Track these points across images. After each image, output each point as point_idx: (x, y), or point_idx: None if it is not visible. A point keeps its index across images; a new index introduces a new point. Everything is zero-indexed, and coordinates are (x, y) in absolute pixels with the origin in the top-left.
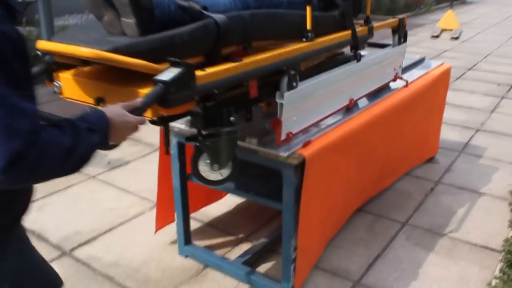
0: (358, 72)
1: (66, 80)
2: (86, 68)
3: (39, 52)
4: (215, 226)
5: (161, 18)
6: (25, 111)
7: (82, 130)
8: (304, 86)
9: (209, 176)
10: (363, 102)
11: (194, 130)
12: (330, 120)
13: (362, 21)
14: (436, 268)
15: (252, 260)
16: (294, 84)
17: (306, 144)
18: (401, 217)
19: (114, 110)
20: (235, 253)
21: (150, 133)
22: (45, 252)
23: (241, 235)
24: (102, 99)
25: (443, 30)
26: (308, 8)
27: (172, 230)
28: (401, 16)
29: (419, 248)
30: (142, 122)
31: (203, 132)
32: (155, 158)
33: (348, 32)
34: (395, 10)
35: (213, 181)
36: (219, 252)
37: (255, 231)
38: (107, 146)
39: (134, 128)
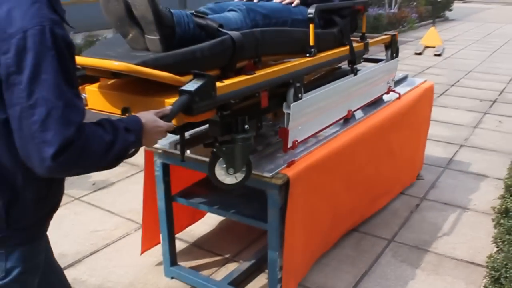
0: (355, 85)
1: (91, 93)
2: (110, 81)
3: None
4: (201, 247)
5: (181, 35)
6: (77, 106)
7: (120, 128)
8: (308, 97)
9: (225, 180)
10: (350, 119)
11: (178, 152)
12: (313, 140)
13: (358, 38)
14: (423, 284)
15: (238, 280)
16: (300, 95)
17: (290, 164)
18: (387, 234)
19: (147, 115)
20: (221, 273)
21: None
22: None
23: (227, 255)
24: (127, 109)
25: (426, 47)
26: (311, 26)
27: (157, 251)
28: (392, 32)
29: (406, 265)
30: (171, 128)
31: (219, 139)
32: (140, 179)
33: (346, 47)
34: (379, 28)
35: (229, 184)
36: (205, 272)
37: (241, 251)
38: (138, 147)
39: (164, 132)
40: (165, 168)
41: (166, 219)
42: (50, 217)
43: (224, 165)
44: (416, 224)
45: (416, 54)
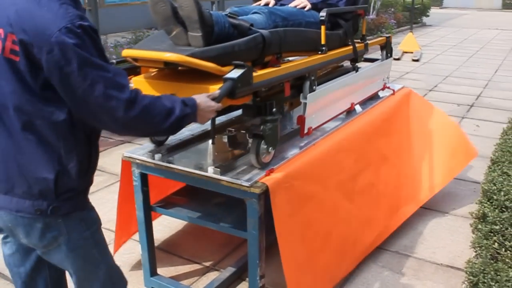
0: (357, 81)
1: (139, 83)
2: (153, 73)
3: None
4: (181, 255)
5: (218, 33)
6: (120, 72)
7: (177, 100)
8: (321, 89)
9: (264, 159)
10: (328, 127)
11: (159, 162)
12: (294, 149)
13: (359, 39)
14: None
15: None
16: (314, 87)
17: (269, 173)
18: None
19: (200, 96)
20: (202, 282)
21: (115, 163)
22: None
23: (207, 264)
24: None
25: (404, 53)
26: (323, 27)
27: (137, 261)
28: (387, 35)
29: (386, 271)
30: (219, 108)
31: (252, 122)
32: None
33: (350, 47)
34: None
35: (266, 163)
36: (186, 282)
37: (221, 260)
38: (193, 121)
39: (214, 112)
40: (143, 178)
41: (146, 229)
42: (88, 189)
43: (265, 146)
44: (397, 229)
45: (395, 59)
